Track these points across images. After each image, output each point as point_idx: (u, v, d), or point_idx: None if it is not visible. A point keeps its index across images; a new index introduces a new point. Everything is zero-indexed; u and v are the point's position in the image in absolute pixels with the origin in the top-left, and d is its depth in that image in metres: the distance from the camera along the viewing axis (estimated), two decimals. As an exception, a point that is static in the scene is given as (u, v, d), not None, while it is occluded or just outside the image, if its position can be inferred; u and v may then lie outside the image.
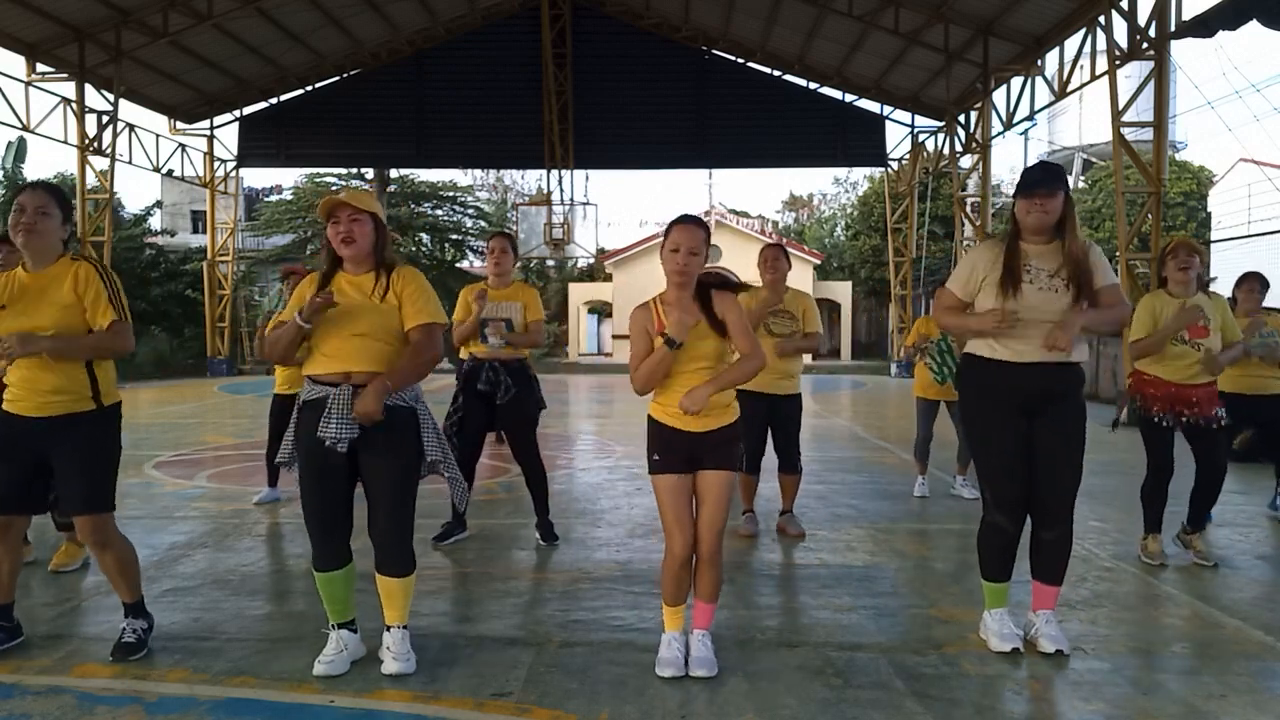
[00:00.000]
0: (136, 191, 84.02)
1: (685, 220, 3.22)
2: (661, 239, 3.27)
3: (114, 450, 3.39)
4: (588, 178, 27.86)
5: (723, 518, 3.24)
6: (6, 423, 3.28)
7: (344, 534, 3.24)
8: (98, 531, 3.32)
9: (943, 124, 20.75)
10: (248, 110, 22.64)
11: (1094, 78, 15.06)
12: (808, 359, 24.90)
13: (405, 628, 3.27)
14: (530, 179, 40.84)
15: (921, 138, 22.40)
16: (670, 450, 3.21)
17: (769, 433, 5.33)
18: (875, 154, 23.32)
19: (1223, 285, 11.25)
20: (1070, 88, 16.08)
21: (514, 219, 36.07)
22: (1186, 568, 4.66)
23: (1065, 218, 3.34)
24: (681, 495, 3.22)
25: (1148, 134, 13.33)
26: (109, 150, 18.44)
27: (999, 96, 18.36)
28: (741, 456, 3.06)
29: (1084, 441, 3.42)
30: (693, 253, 3.16)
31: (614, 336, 31.98)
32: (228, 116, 22.51)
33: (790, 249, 33.64)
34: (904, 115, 22.47)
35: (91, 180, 18.37)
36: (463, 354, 5.13)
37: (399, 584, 3.23)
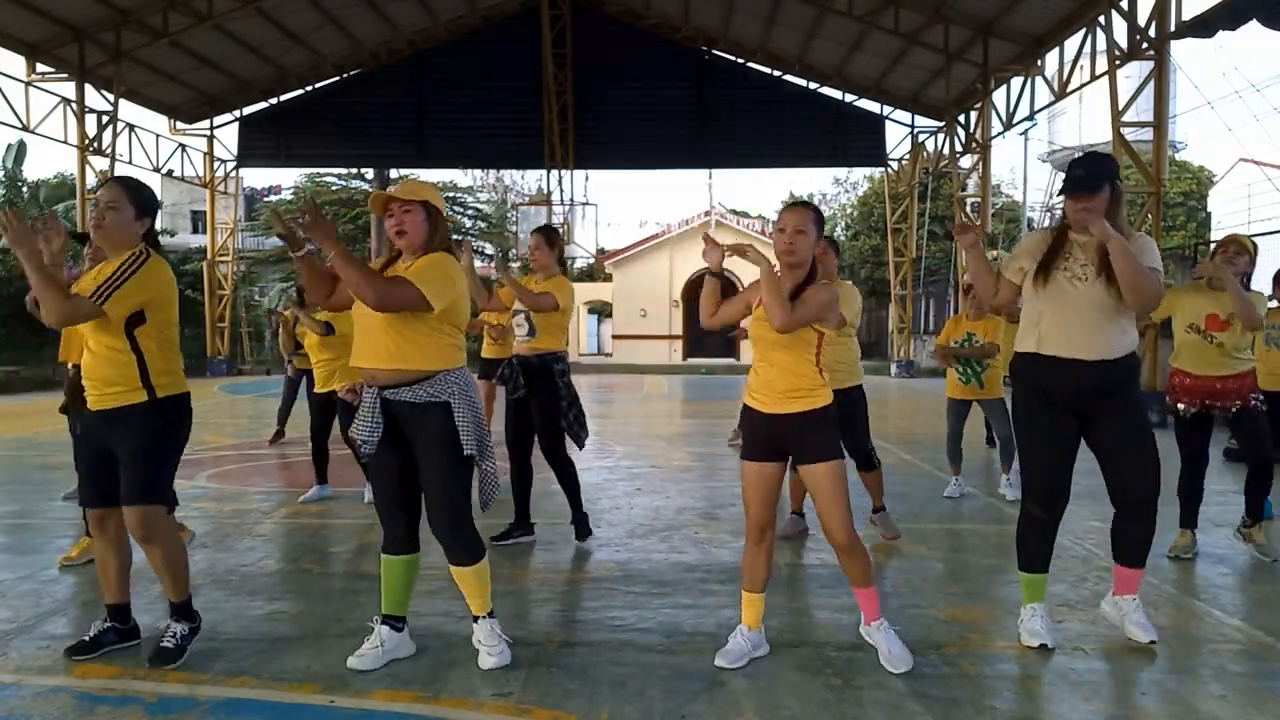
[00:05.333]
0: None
1: (792, 204, 3.36)
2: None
3: (167, 442, 3.30)
4: (588, 178, 27.87)
5: (840, 507, 3.16)
6: (83, 418, 3.37)
7: (406, 521, 3.23)
8: (143, 525, 3.23)
9: (943, 124, 20.75)
10: (248, 110, 22.63)
11: (1094, 78, 15.06)
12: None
13: (491, 616, 3.28)
14: (530, 179, 40.81)
15: (921, 138, 22.40)
16: (752, 434, 3.26)
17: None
18: (875, 154, 23.33)
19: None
20: (1070, 88, 16.09)
21: (514, 219, 36.09)
22: (1186, 567, 4.66)
23: (1112, 210, 3.26)
24: (761, 482, 3.24)
25: (1148, 134, 13.34)
26: (109, 150, 18.44)
27: (999, 96, 18.37)
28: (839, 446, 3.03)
29: (1147, 433, 3.39)
30: (799, 230, 3.20)
31: (614, 337, 31.98)
32: (228, 116, 22.51)
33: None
34: (904, 115, 22.47)
35: (91, 180, 18.34)
36: (487, 352, 5.08)
37: (466, 572, 3.23)
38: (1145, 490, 3.38)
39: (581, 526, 5.13)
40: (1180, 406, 4.67)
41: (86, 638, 3.33)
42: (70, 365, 4.60)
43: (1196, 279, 4.72)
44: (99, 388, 3.25)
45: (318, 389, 6.11)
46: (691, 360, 30.17)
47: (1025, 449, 3.51)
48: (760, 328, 3.22)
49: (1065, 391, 3.36)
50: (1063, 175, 3.42)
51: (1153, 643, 3.40)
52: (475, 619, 3.29)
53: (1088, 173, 3.29)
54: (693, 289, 31.82)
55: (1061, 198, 3.39)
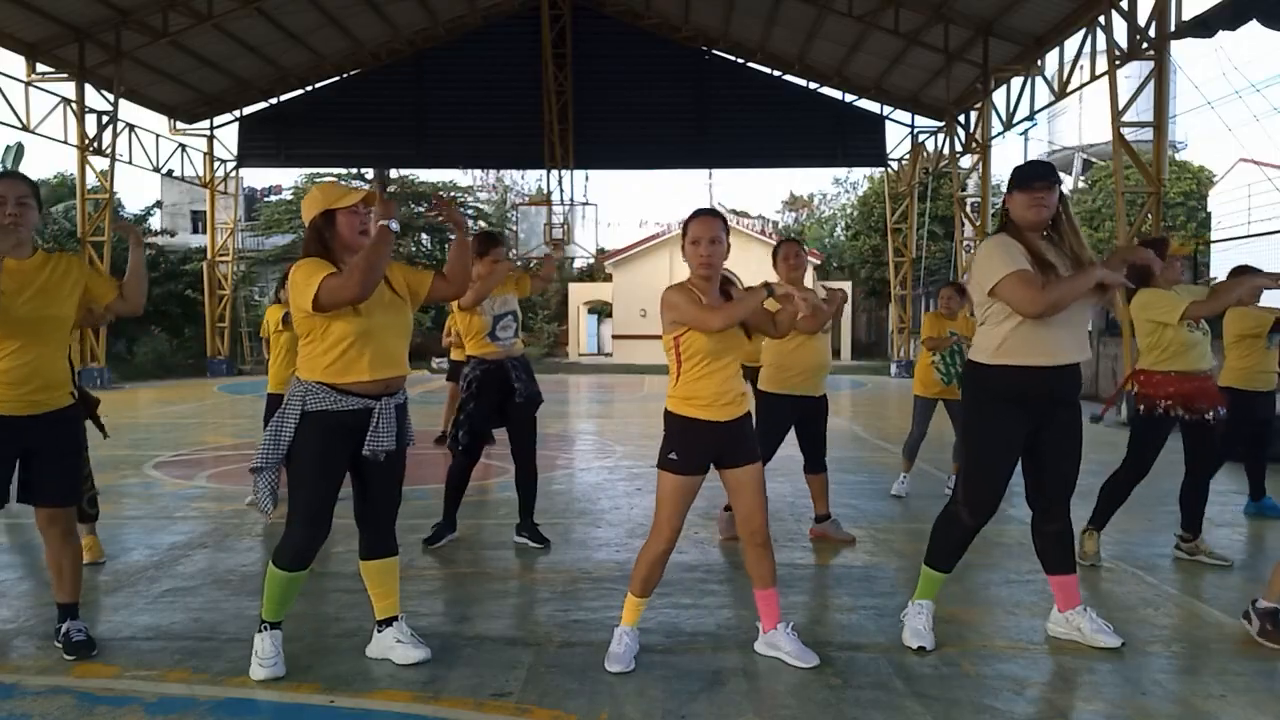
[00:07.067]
0: (136, 191, 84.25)
1: (701, 213, 3.27)
2: (681, 236, 3.29)
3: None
4: (588, 178, 27.90)
5: (765, 501, 3.29)
6: None
7: (327, 531, 3.28)
8: (70, 522, 3.38)
9: (943, 124, 20.74)
10: (248, 110, 22.61)
11: (1094, 78, 15.06)
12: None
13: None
14: (530, 179, 40.87)
15: (921, 138, 22.39)
16: (693, 447, 3.19)
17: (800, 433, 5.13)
18: (875, 154, 23.32)
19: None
20: (1070, 88, 16.08)
21: (514, 219, 36.13)
22: (1186, 567, 4.65)
23: (1061, 214, 3.31)
24: (689, 495, 3.24)
25: (1148, 134, 13.34)
26: (109, 150, 18.42)
27: (999, 96, 18.36)
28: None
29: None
30: (714, 241, 3.20)
31: (614, 336, 31.98)
32: (228, 116, 22.49)
33: (790, 249, 33.57)
34: (904, 115, 22.46)
35: (91, 180, 18.35)
36: (455, 354, 4.99)
37: (395, 562, 3.36)
38: (1072, 490, 3.48)
39: (537, 533, 5.05)
40: (1167, 410, 4.46)
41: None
42: None
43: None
44: (47, 391, 3.18)
45: (276, 389, 5.80)
46: (691, 360, 30.11)
47: (984, 460, 3.39)
48: (729, 344, 3.20)
49: (1048, 398, 3.32)
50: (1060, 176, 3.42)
51: (1123, 645, 3.39)
52: (391, 621, 3.30)
53: (1046, 169, 3.34)
54: (693, 289, 31.78)
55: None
